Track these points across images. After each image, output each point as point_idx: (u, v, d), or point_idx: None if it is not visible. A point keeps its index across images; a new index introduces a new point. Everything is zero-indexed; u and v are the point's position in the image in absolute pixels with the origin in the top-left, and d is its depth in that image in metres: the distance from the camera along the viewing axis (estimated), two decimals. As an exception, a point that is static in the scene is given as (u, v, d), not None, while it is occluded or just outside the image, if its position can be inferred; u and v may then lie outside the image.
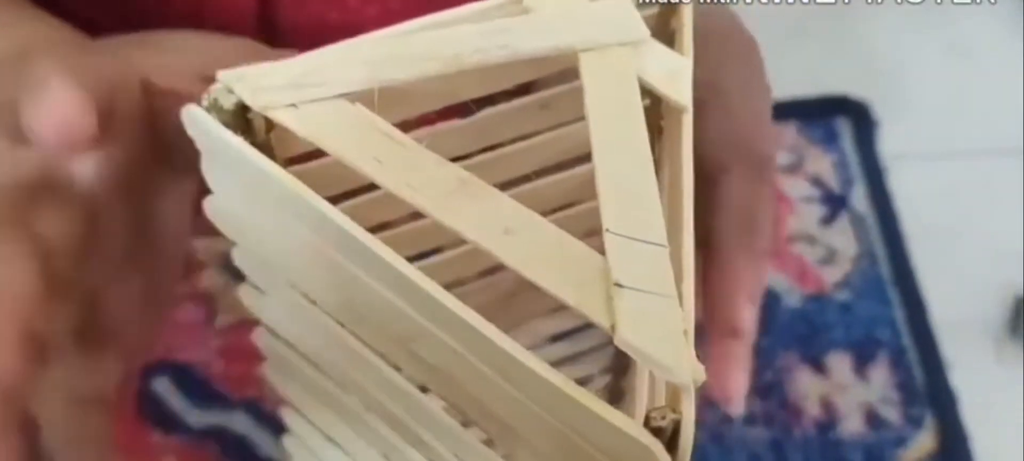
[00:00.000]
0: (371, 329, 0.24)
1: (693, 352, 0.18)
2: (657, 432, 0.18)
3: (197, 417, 0.53)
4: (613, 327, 0.18)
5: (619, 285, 0.19)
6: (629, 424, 0.18)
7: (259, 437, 0.52)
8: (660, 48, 0.23)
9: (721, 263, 0.33)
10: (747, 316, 0.32)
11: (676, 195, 0.22)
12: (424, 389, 0.25)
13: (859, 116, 0.66)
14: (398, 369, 0.25)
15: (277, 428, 0.52)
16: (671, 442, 0.18)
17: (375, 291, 0.21)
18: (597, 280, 0.19)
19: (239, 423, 0.52)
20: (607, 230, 0.19)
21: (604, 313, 0.18)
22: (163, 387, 0.54)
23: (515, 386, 0.20)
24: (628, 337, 0.18)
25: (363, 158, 0.21)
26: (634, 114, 0.21)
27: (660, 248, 0.19)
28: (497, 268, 0.34)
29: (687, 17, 0.25)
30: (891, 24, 0.66)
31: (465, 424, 0.25)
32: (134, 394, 0.53)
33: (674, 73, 0.23)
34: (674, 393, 0.18)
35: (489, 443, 0.24)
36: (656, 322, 0.18)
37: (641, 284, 0.19)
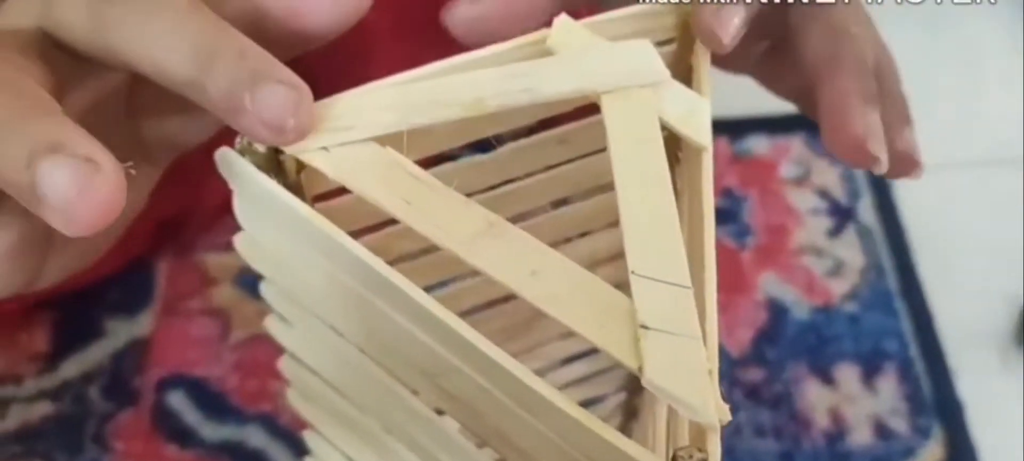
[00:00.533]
0: (396, 360, 0.24)
1: (718, 391, 0.19)
2: (684, 471, 0.18)
3: (212, 431, 0.53)
4: (640, 368, 0.19)
5: (645, 327, 0.19)
6: (656, 462, 0.18)
7: (274, 451, 0.53)
8: (679, 88, 0.24)
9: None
10: None
11: (697, 232, 0.22)
12: (440, 412, 0.26)
13: (865, 128, 0.67)
14: (416, 393, 0.26)
15: (292, 442, 0.53)
16: None
17: (400, 325, 0.22)
18: (624, 322, 0.20)
19: (254, 437, 0.53)
20: (632, 272, 0.20)
21: (631, 355, 0.19)
22: (178, 401, 0.54)
23: (539, 420, 0.20)
24: (655, 378, 0.19)
25: (393, 200, 0.21)
26: (656, 156, 0.22)
27: (684, 289, 0.20)
28: (515, 295, 0.34)
29: (704, 54, 0.25)
30: (893, 35, 0.67)
31: (480, 446, 0.26)
32: (149, 408, 0.54)
33: (693, 113, 0.24)
34: (699, 432, 0.19)
35: None
36: (682, 363, 0.19)
37: (666, 325, 0.19)
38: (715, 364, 0.19)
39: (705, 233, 0.22)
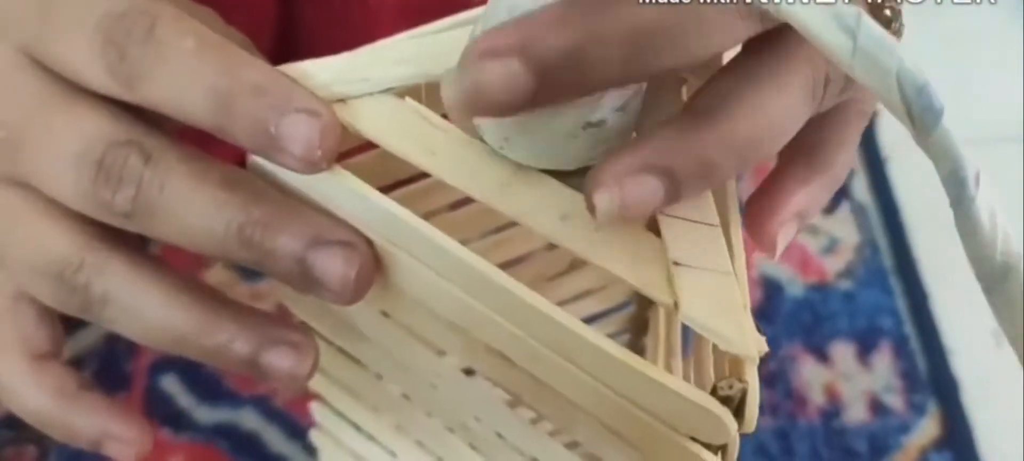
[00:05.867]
0: (422, 318, 0.24)
1: (753, 324, 0.19)
2: (725, 401, 0.18)
3: (206, 415, 0.53)
4: (676, 304, 0.19)
5: (677, 264, 0.19)
6: (699, 395, 0.18)
7: (269, 434, 0.52)
8: None
9: None
10: None
11: None
12: (469, 372, 0.25)
13: (857, 107, 0.67)
14: (442, 354, 0.25)
15: (287, 424, 0.52)
16: (737, 410, 0.18)
17: (428, 279, 0.22)
18: (656, 260, 0.19)
19: (249, 420, 0.53)
20: (661, 212, 0.20)
21: (666, 291, 0.19)
22: (171, 385, 0.54)
23: (577, 364, 0.20)
24: (692, 313, 0.18)
25: (416, 151, 0.21)
26: (675, 90, 0.22)
27: (713, 227, 0.20)
28: (518, 260, 0.34)
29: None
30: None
31: (512, 405, 0.25)
32: (142, 392, 0.53)
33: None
34: (737, 363, 0.19)
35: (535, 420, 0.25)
36: (716, 298, 0.19)
37: (698, 262, 0.19)
38: (747, 299, 0.19)
39: None
